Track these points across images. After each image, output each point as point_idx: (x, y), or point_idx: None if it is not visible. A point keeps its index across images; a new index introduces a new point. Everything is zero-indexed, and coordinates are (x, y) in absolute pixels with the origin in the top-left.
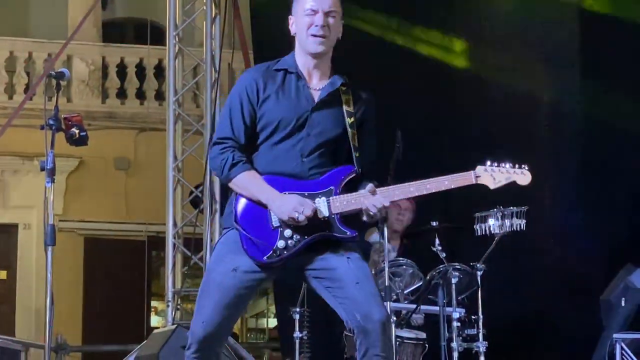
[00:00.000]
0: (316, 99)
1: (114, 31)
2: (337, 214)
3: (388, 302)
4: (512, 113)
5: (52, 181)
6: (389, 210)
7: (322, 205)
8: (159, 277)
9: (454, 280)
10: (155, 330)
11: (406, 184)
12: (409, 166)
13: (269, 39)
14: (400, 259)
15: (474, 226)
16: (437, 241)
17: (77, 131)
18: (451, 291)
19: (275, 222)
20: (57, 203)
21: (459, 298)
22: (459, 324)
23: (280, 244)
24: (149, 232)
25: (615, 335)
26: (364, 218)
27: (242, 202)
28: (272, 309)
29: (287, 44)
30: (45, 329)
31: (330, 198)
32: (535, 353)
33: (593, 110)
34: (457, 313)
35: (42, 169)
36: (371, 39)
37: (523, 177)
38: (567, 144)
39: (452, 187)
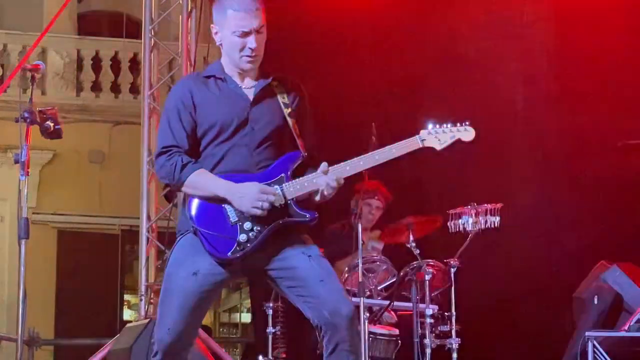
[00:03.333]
0: (251, 97)
1: (90, 24)
2: (292, 199)
3: (362, 298)
4: (487, 109)
5: (26, 174)
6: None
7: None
8: (132, 270)
9: (427, 277)
10: (128, 324)
11: (355, 158)
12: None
13: None
14: (374, 255)
15: (448, 223)
16: (411, 237)
17: (51, 124)
18: (424, 288)
19: (233, 218)
20: (31, 196)
21: (432, 294)
22: (432, 320)
23: (242, 237)
24: (122, 226)
25: (587, 333)
26: (317, 198)
27: (195, 204)
28: (246, 303)
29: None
30: (18, 322)
31: (283, 185)
32: (508, 350)
33: (567, 108)
34: (430, 310)
35: (16, 162)
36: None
37: (467, 133)
38: (542, 141)
39: (400, 154)
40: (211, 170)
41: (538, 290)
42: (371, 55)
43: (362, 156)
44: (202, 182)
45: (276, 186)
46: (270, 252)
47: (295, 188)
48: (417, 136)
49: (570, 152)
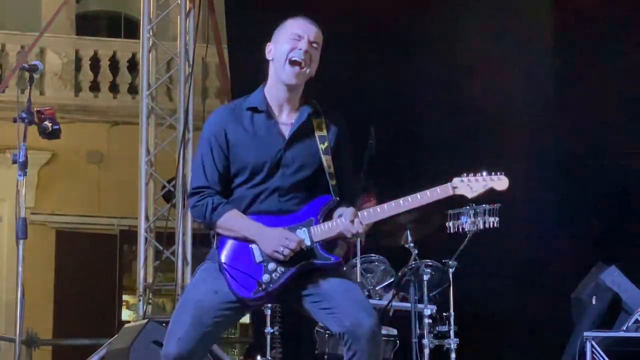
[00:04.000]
0: (287, 135)
1: (88, 24)
2: (318, 242)
3: None
4: (485, 110)
5: (24, 174)
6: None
7: (303, 236)
8: (130, 271)
9: (425, 277)
10: (127, 325)
11: (384, 204)
12: (382, 164)
13: (243, 33)
14: (372, 255)
15: (447, 223)
16: (409, 238)
17: (49, 124)
18: (423, 288)
19: (258, 257)
20: (29, 196)
21: (431, 295)
22: (430, 320)
23: (265, 277)
24: (120, 226)
25: (585, 334)
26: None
27: (225, 242)
28: None
29: (261, 38)
30: (16, 322)
31: (311, 228)
32: (506, 351)
33: (567, 109)
34: (428, 310)
35: (14, 162)
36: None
37: (500, 182)
38: (540, 142)
39: (431, 201)
40: (243, 211)
41: (537, 290)
42: (371, 56)
43: (393, 202)
44: (233, 224)
45: (304, 229)
46: (294, 290)
47: (322, 231)
48: (449, 184)
49: (571, 152)
